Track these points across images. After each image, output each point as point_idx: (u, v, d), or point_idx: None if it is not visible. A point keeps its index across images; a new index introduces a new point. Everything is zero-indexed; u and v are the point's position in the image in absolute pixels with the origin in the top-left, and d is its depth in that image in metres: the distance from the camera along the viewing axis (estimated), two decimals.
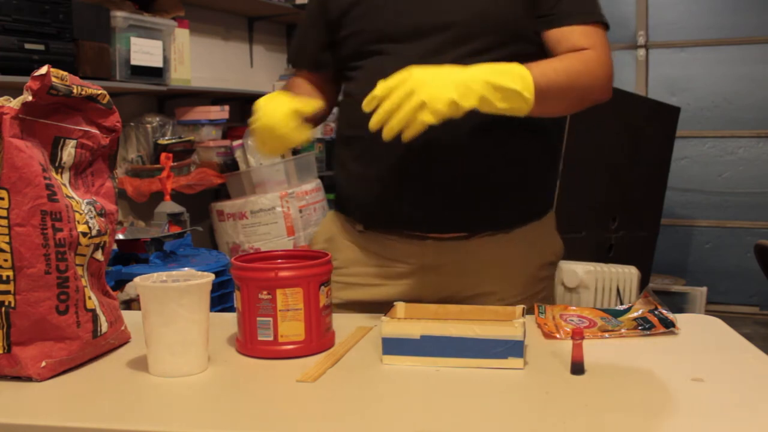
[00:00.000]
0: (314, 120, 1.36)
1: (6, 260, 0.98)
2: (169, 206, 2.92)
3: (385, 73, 1.16)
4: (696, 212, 4.51)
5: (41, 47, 2.37)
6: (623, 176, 3.24)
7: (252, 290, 1.08)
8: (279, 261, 1.19)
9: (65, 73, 1.04)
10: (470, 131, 1.25)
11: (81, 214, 1.06)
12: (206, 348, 1.05)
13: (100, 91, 1.10)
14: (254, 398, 0.95)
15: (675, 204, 4.43)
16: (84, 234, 1.05)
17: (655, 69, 4.51)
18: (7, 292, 0.98)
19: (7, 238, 0.98)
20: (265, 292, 1.07)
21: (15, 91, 1.11)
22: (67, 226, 1.02)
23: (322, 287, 1.11)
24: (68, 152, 1.07)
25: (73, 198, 1.06)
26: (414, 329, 1.03)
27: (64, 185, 1.06)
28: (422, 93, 1.07)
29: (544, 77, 1.15)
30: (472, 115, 1.14)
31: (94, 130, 1.11)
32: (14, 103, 1.00)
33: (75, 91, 1.05)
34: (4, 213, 0.98)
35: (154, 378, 1.02)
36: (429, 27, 1.28)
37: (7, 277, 0.98)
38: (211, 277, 1.05)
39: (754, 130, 4.36)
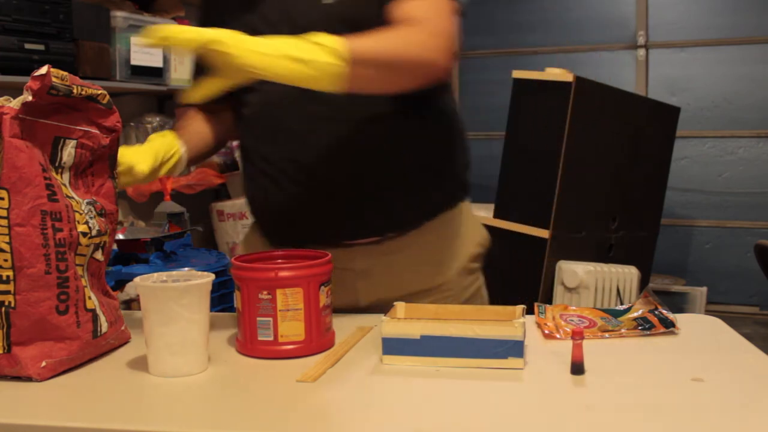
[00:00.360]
0: (197, 159, 1.40)
1: (6, 260, 0.98)
2: (169, 206, 2.92)
3: (267, 96, 1.25)
4: (696, 212, 4.51)
5: (41, 47, 2.37)
6: (623, 176, 3.24)
7: (252, 290, 1.08)
8: (279, 261, 1.19)
9: (65, 73, 1.04)
10: (360, 136, 1.25)
11: (81, 214, 1.06)
12: (206, 348, 1.05)
13: (100, 91, 1.10)
14: (254, 398, 0.95)
15: (675, 204, 4.43)
16: (84, 234, 1.05)
17: (655, 69, 4.51)
18: (7, 292, 0.98)
19: (7, 238, 0.98)
20: (265, 292, 1.07)
21: (15, 91, 1.11)
22: (67, 226, 1.03)
23: (322, 287, 1.11)
24: (68, 152, 1.07)
25: (73, 198, 1.06)
26: (414, 329, 1.03)
27: (64, 185, 1.06)
28: (230, 47, 1.04)
29: (360, 46, 1.09)
30: (361, 121, 1.18)
31: (95, 130, 1.11)
32: (14, 103, 1.00)
33: (75, 91, 1.05)
34: (4, 213, 0.98)
35: (154, 378, 1.02)
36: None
37: (7, 277, 0.98)
38: (211, 277, 1.05)
39: (754, 130, 4.36)
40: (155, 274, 1.08)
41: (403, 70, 1.17)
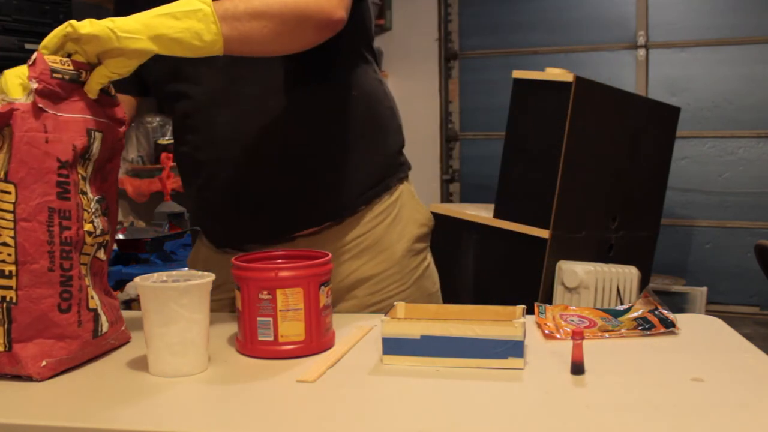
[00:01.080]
0: None
1: (9, 254, 0.98)
2: (169, 206, 2.92)
3: (192, 99, 1.26)
4: (696, 212, 4.51)
5: None
6: (623, 176, 3.24)
7: (252, 290, 1.08)
8: (279, 261, 1.19)
9: (62, 58, 1.03)
10: (284, 130, 1.26)
11: (89, 212, 1.06)
12: (206, 348, 1.05)
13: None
14: (254, 398, 0.95)
15: (675, 204, 4.43)
16: (89, 233, 1.05)
17: (655, 69, 4.51)
18: (9, 287, 0.98)
19: (11, 233, 0.98)
20: (265, 292, 1.07)
21: None
22: (75, 225, 1.03)
23: (322, 287, 1.11)
24: (97, 145, 1.07)
25: (86, 194, 1.06)
26: (414, 329, 1.03)
27: (83, 179, 1.06)
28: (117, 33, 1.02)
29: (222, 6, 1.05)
30: (282, 115, 1.19)
31: (112, 123, 1.11)
32: (25, 98, 1.00)
33: (83, 76, 1.05)
34: (10, 207, 0.98)
35: (154, 378, 1.02)
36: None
37: (10, 272, 0.98)
38: (212, 277, 1.05)
39: (754, 130, 4.36)
40: (155, 274, 1.08)
41: (287, 18, 1.10)
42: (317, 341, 1.10)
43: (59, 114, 1.01)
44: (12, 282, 0.98)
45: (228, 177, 1.30)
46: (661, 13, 4.47)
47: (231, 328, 1.22)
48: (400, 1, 4.88)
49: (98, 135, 1.07)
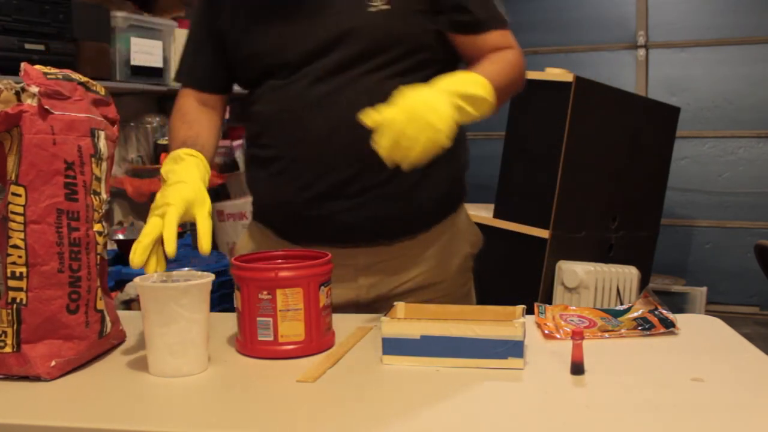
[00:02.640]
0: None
1: (20, 257, 0.98)
2: None
3: (294, 96, 1.25)
4: (696, 212, 4.51)
5: (41, 47, 2.37)
6: (623, 176, 3.24)
7: (252, 290, 1.08)
8: (279, 261, 1.19)
9: (45, 68, 1.04)
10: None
11: (99, 213, 1.06)
12: (206, 348, 1.05)
13: (85, 79, 1.11)
14: (254, 398, 0.95)
15: (675, 204, 4.43)
16: (99, 233, 1.06)
17: (655, 69, 4.51)
18: (20, 289, 0.99)
19: (22, 235, 0.98)
20: (265, 292, 1.07)
21: None
22: (84, 226, 1.03)
23: (322, 287, 1.11)
24: (102, 143, 1.08)
25: (99, 195, 1.06)
26: (414, 329, 1.03)
27: (97, 180, 1.06)
28: (430, 119, 1.08)
29: (494, 82, 1.20)
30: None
31: (107, 122, 1.12)
32: (33, 100, 1.00)
33: (74, 75, 1.06)
34: (20, 210, 0.98)
35: (154, 378, 1.02)
36: (330, 46, 1.27)
37: (21, 273, 0.98)
38: (211, 277, 1.05)
39: (754, 130, 4.36)
40: (155, 274, 1.08)
41: (509, 94, 1.33)
42: (317, 341, 1.10)
43: (65, 114, 1.02)
44: (23, 284, 0.98)
45: (322, 180, 1.29)
46: (661, 13, 4.47)
47: (231, 328, 1.22)
48: None
49: (101, 133, 1.08)
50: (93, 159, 1.05)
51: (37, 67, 1.03)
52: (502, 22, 1.35)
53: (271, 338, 1.08)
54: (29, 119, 0.99)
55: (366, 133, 1.21)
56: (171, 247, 1.08)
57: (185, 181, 1.18)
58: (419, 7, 1.28)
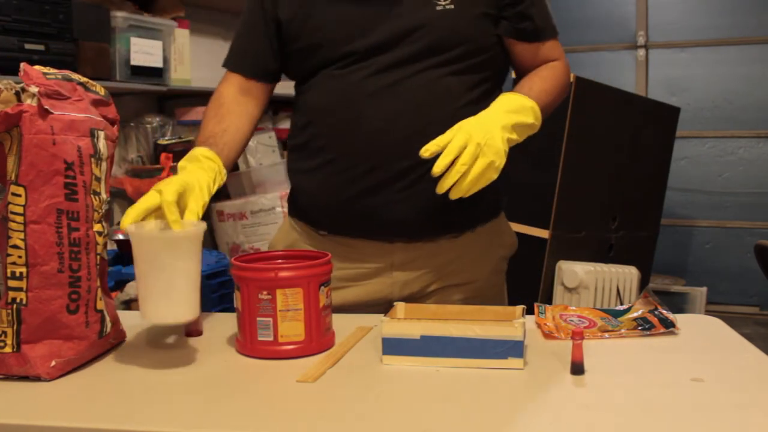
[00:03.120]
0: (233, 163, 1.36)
1: (20, 257, 0.98)
2: None
3: (352, 86, 1.25)
4: (696, 212, 4.51)
5: (41, 47, 2.37)
6: (623, 176, 3.24)
7: (252, 290, 1.08)
8: (279, 261, 1.19)
9: (44, 68, 1.04)
10: (436, 137, 1.24)
11: (99, 213, 1.06)
12: (196, 297, 1.05)
13: (84, 79, 1.11)
14: (254, 398, 0.95)
15: (675, 204, 4.43)
16: (99, 233, 1.06)
17: (655, 69, 4.51)
18: (20, 289, 0.99)
19: (22, 235, 0.98)
20: (265, 292, 1.07)
21: None
22: (84, 226, 1.03)
23: (322, 287, 1.11)
24: (102, 143, 1.08)
25: (99, 195, 1.06)
26: (414, 329, 1.03)
27: (97, 180, 1.06)
28: (488, 153, 1.15)
29: (541, 101, 1.28)
30: (439, 121, 1.22)
31: (107, 122, 1.12)
32: (33, 100, 1.00)
33: (74, 75, 1.06)
34: (20, 210, 0.98)
35: (154, 378, 1.02)
36: (393, 40, 1.28)
37: (21, 273, 0.98)
38: (203, 225, 1.05)
39: (754, 130, 4.36)
40: (152, 222, 1.07)
41: (551, 109, 1.37)
42: (317, 341, 1.10)
43: (65, 114, 1.02)
44: (23, 284, 0.99)
45: (376, 173, 1.29)
46: (661, 13, 4.47)
47: (231, 328, 1.22)
48: None
49: (101, 134, 1.08)
50: (93, 159, 1.05)
51: (37, 67, 1.03)
52: (555, 32, 1.41)
53: (271, 338, 1.08)
54: (29, 119, 0.99)
55: (421, 128, 1.24)
56: (174, 215, 1.06)
57: (192, 176, 1.19)
58: (483, 11, 1.30)
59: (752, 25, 4.30)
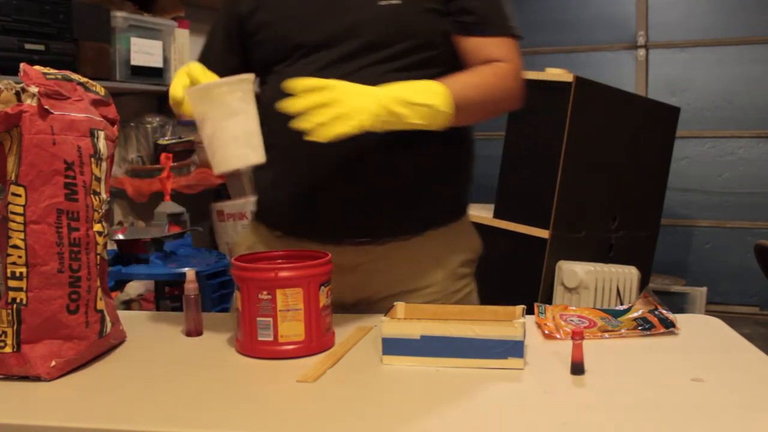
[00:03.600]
0: None
1: (20, 257, 0.98)
2: (169, 206, 2.92)
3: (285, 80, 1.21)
4: (696, 212, 4.51)
5: (41, 47, 2.37)
6: (623, 176, 3.24)
7: (252, 290, 1.08)
8: (279, 261, 1.19)
9: (44, 68, 1.05)
10: (379, 141, 1.25)
11: (99, 213, 1.06)
12: (262, 138, 1.12)
13: (84, 79, 1.11)
14: (254, 398, 0.95)
15: (675, 204, 4.43)
16: (99, 233, 1.06)
17: (655, 69, 4.51)
18: (20, 289, 0.99)
19: (22, 235, 0.98)
20: (265, 293, 1.07)
21: None
22: (84, 226, 1.03)
23: (322, 287, 1.11)
24: (102, 143, 1.08)
25: (99, 195, 1.06)
26: (414, 329, 1.03)
27: (97, 180, 1.06)
28: (345, 104, 1.09)
29: (462, 93, 1.20)
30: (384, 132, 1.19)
31: (107, 122, 1.12)
32: (33, 100, 1.00)
33: (74, 75, 1.06)
34: (20, 210, 0.98)
35: (153, 378, 1.02)
36: (340, 35, 1.28)
37: (21, 273, 0.99)
38: (252, 75, 1.13)
39: (754, 130, 4.36)
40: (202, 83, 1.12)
41: (489, 111, 1.31)
42: (317, 341, 1.10)
43: (65, 114, 1.02)
44: (23, 284, 0.99)
45: (322, 175, 1.29)
46: (661, 13, 4.47)
47: (231, 328, 1.22)
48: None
49: (101, 134, 1.08)
50: (93, 159, 1.05)
51: (37, 67, 1.03)
52: (506, 30, 1.32)
53: (271, 338, 1.08)
54: (29, 119, 0.99)
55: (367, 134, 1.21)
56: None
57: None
58: (430, 6, 1.28)
59: (752, 25, 4.29)
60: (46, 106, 1.00)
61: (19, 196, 0.98)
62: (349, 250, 1.32)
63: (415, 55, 1.28)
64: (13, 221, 0.98)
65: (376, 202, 1.30)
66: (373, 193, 1.30)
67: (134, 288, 2.92)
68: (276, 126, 1.33)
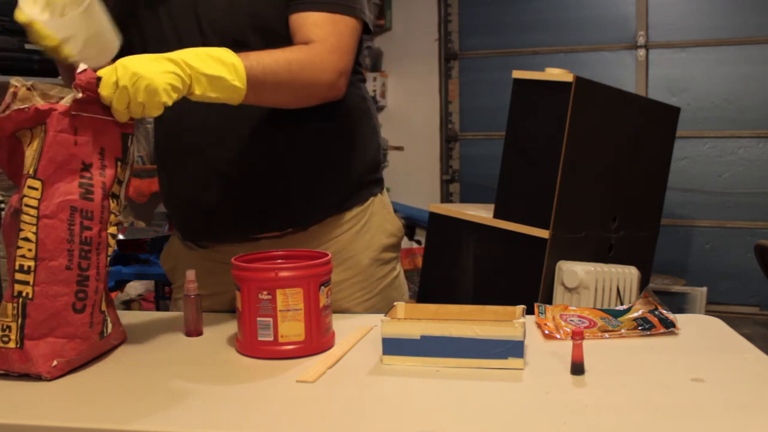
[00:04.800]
0: None
1: (30, 250, 0.99)
2: None
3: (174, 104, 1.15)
4: (696, 212, 4.51)
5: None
6: (623, 176, 3.24)
7: (252, 290, 1.08)
8: (279, 261, 1.19)
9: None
10: (262, 139, 1.25)
11: (115, 215, 1.07)
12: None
13: None
14: (254, 398, 0.95)
15: (675, 204, 4.43)
16: (113, 236, 1.06)
17: (655, 69, 4.50)
18: (27, 283, 0.99)
19: (34, 228, 0.99)
20: (265, 293, 1.07)
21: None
22: (98, 226, 1.04)
23: (322, 287, 1.11)
24: (133, 149, 1.09)
25: (117, 198, 1.07)
26: (414, 329, 1.03)
27: (119, 183, 1.07)
28: (144, 80, 1.00)
29: (259, 67, 1.12)
30: (261, 125, 1.21)
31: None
32: (66, 100, 1.02)
33: None
34: (35, 203, 0.99)
35: (154, 378, 1.02)
36: (185, 29, 1.26)
37: (29, 267, 0.99)
38: None
39: (754, 130, 4.36)
40: None
41: (299, 92, 1.21)
42: (317, 341, 1.10)
43: (95, 116, 1.03)
44: (30, 277, 0.99)
45: (198, 169, 1.30)
46: (661, 13, 4.47)
47: (231, 328, 1.22)
48: (400, 1, 4.87)
49: (133, 138, 1.09)
50: (118, 162, 1.06)
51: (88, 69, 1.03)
52: (322, 6, 1.21)
53: (271, 338, 1.08)
54: (57, 117, 1.00)
55: (234, 123, 1.22)
56: None
57: None
58: None
59: (752, 25, 4.29)
60: (77, 110, 1.01)
61: (36, 189, 0.99)
62: (267, 244, 1.32)
63: (257, 36, 1.24)
64: (27, 214, 0.99)
65: (263, 197, 1.30)
66: (260, 187, 1.30)
67: (134, 288, 2.93)
68: (158, 130, 1.36)
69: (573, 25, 4.61)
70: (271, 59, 1.15)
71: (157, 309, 2.75)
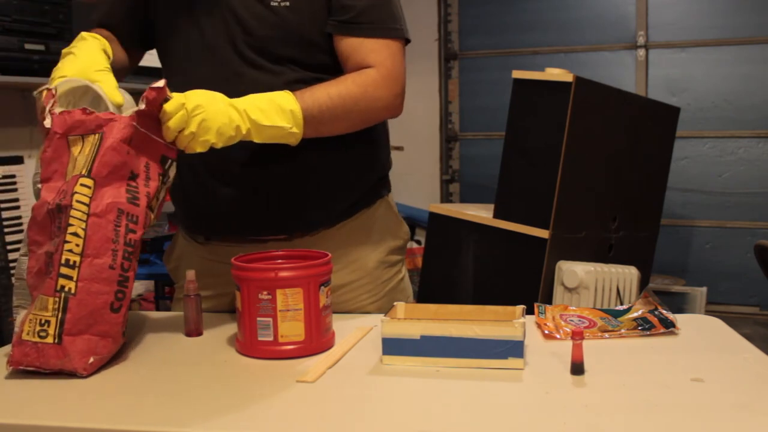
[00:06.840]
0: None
1: (78, 245, 1.01)
2: (169, 206, 2.92)
3: (193, 83, 1.17)
4: (696, 212, 4.51)
5: (41, 47, 2.37)
6: (623, 176, 3.24)
7: (252, 290, 1.08)
8: (279, 261, 1.19)
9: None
10: (276, 144, 1.24)
11: (146, 228, 1.09)
12: None
13: None
14: (254, 398, 0.95)
15: (675, 204, 4.43)
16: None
17: (655, 69, 4.51)
18: (70, 278, 1.01)
19: (83, 225, 1.01)
20: (265, 293, 1.07)
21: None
22: (141, 231, 1.07)
23: (322, 287, 1.11)
24: (172, 172, 1.13)
25: (153, 211, 1.10)
26: (414, 329, 1.03)
27: (156, 199, 1.10)
28: (205, 115, 1.08)
29: (315, 106, 1.18)
30: None
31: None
32: (128, 111, 1.07)
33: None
34: (86, 200, 1.02)
35: (154, 378, 1.02)
36: (222, 40, 1.27)
37: (74, 262, 1.01)
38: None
39: (754, 131, 4.36)
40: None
41: (356, 121, 1.26)
42: (317, 341, 1.10)
43: (148, 133, 1.07)
44: (74, 273, 1.01)
45: (224, 174, 1.30)
46: (661, 13, 4.47)
47: (231, 328, 1.22)
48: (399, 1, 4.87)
49: (173, 163, 1.12)
50: (161, 177, 1.10)
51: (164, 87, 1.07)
52: (378, 31, 1.25)
53: (271, 338, 1.08)
54: (116, 127, 1.05)
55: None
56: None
57: (78, 53, 1.21)
58: (318, 6, 1.24)
59: (752, 25, 4.30)
60: (135, 123, 1.06)
61: (88, 187, 1.02)
62: (274, 246, 1.32)
63: (304, 60, 1.26)
64: (77, 210, 1.01)
65: (278, 201, 1.30)
66: (275, 193, 1.30)
67: (134, 288, 2.92)
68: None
69: (573, 25, 4.61)
70: (326, 97, 1.20)
71: (157, 309, 2.75)
